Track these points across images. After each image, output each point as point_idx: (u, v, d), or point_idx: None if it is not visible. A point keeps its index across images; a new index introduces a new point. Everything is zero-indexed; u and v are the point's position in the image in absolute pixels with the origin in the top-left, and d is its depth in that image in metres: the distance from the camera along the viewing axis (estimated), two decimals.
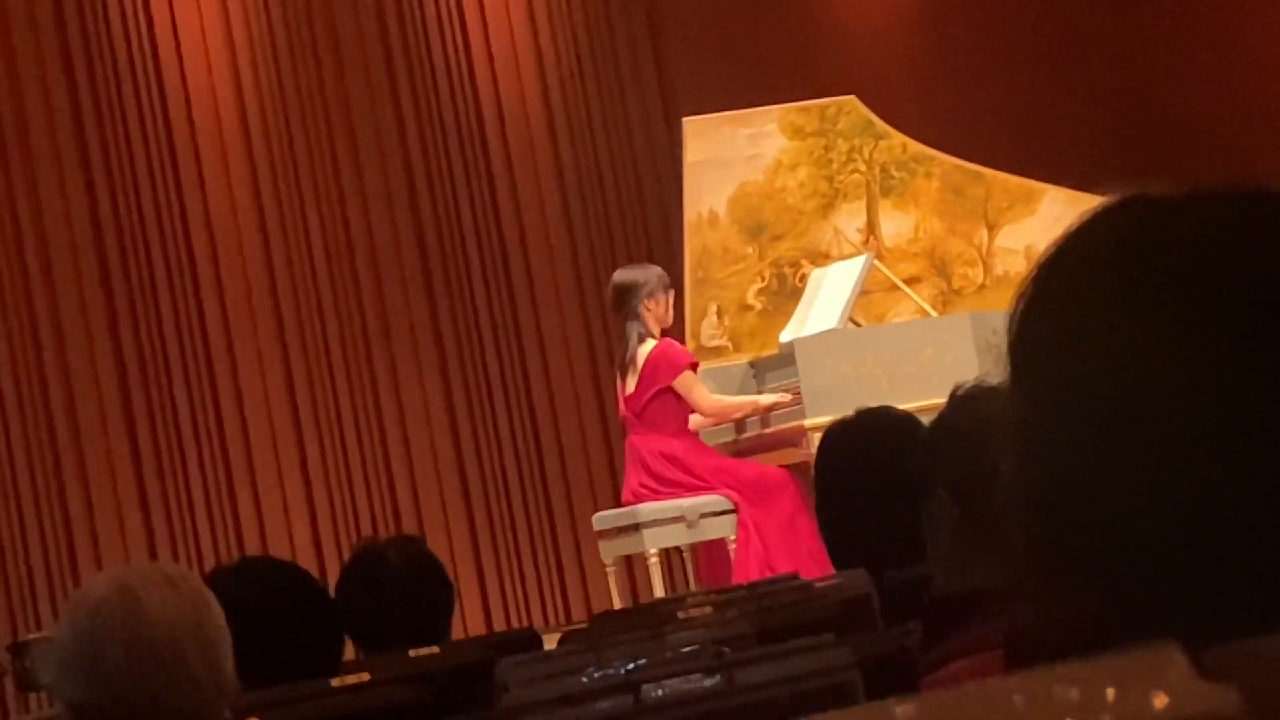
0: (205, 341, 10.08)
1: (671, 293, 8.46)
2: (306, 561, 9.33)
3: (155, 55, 10.11)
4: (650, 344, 8.28)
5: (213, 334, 10.09)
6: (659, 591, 8.26)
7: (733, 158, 9.03)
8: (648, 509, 8.20)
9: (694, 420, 8.39)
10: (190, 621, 2.58)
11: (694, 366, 8.33)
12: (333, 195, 10.36)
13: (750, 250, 9.11)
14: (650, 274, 8.38)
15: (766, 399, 8.39)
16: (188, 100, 10.15)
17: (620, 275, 8.48)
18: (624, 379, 8.39)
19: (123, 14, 10.07)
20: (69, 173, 9.97)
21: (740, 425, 8.58)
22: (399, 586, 4.09)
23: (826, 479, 3.67)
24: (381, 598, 4.06)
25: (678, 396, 8.27)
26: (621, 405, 8.46)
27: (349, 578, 4.17)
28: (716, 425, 8.58)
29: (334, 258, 10.32)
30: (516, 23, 10.70)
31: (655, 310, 8.32)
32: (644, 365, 8.26)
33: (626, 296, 8.31)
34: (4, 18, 9.92)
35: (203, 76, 10.19)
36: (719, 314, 9.10)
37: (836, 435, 3.71)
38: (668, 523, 8.20)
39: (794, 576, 5.10)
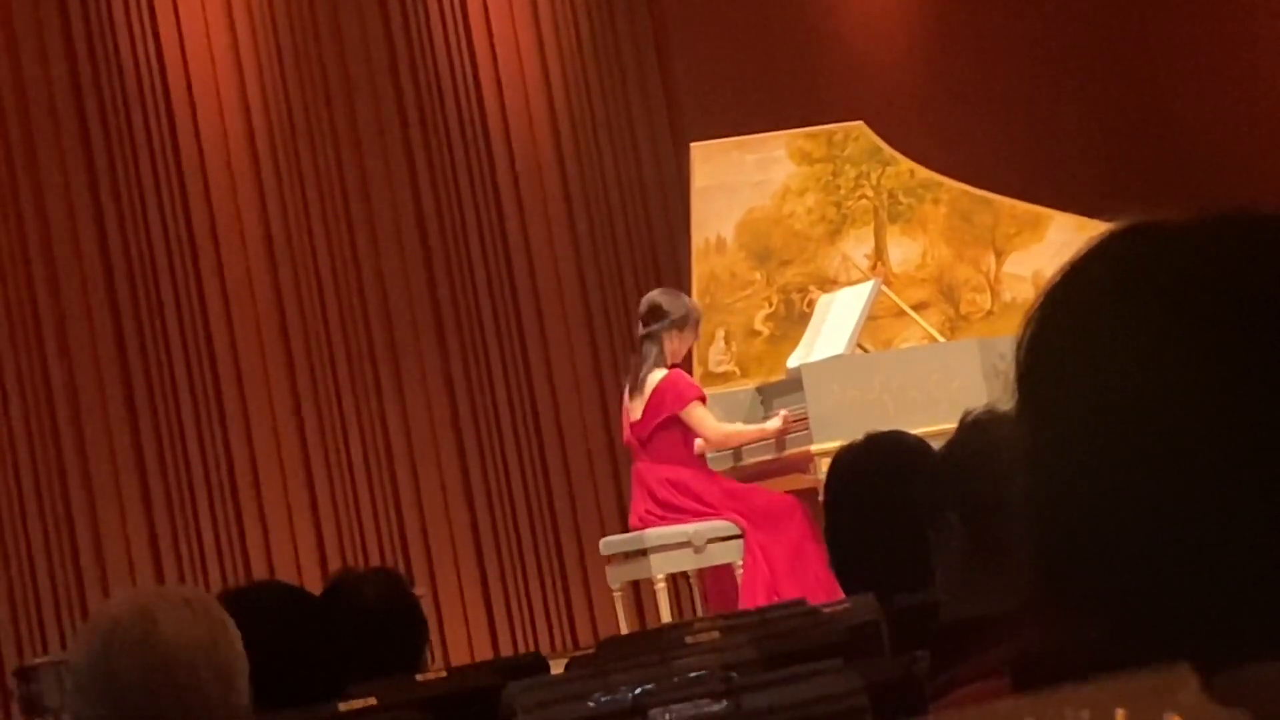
0: (212, 361, 10.07)
1: (699, 335, 8.49)
2: (312, 586, 9.31)
3: (161, 61, 10.10)
4: (660, 373, 8.28)
5: (220, 356, 10.08)
6: (666, 617, 8.25)
7: (740, 183, 9.04)
8: (655, 534, 8.20)
9: (699, 445, 8.39)
10: (206, 643, 2.58)
11: (702, 399, 8.32)
12: (340, 219, 10.36)
13: (758, 276, 9.11)
14: (689, 308, 8.39)
15: (772, 425, 8.38)
16: (193, 108, 10.14)
17: (660, 295, 8.48)
18: (630, 399, 8.39)
19: (129, 22, 10.08)
20: (76, 190, 9.97)
21: (740, 451, 8.57)
22: (371, 620, 4.06)
23: (836, 503, 3.66)
24: (352, 628, 4.02)
25: (684, 425, 8.27)
26: (626, 430, 8.46)
27: (323, 602, 4.14)
28: (721, 451, 8.58)
29: (341, 280, 10.32)
30: (524, 46, 10.72)
31: (675, 342, 8.33)
32: (651, 394, 8.27)
33: (656, 316, 8.31)
34: (9, 24, 9.94)
35: (208, 82, 10.19)
36: (726, 339, 9.11)
37: (846, 460, 3.70)
38: (675, 548, 8.19)
39: (801, 602, 5.09)
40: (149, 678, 2.56)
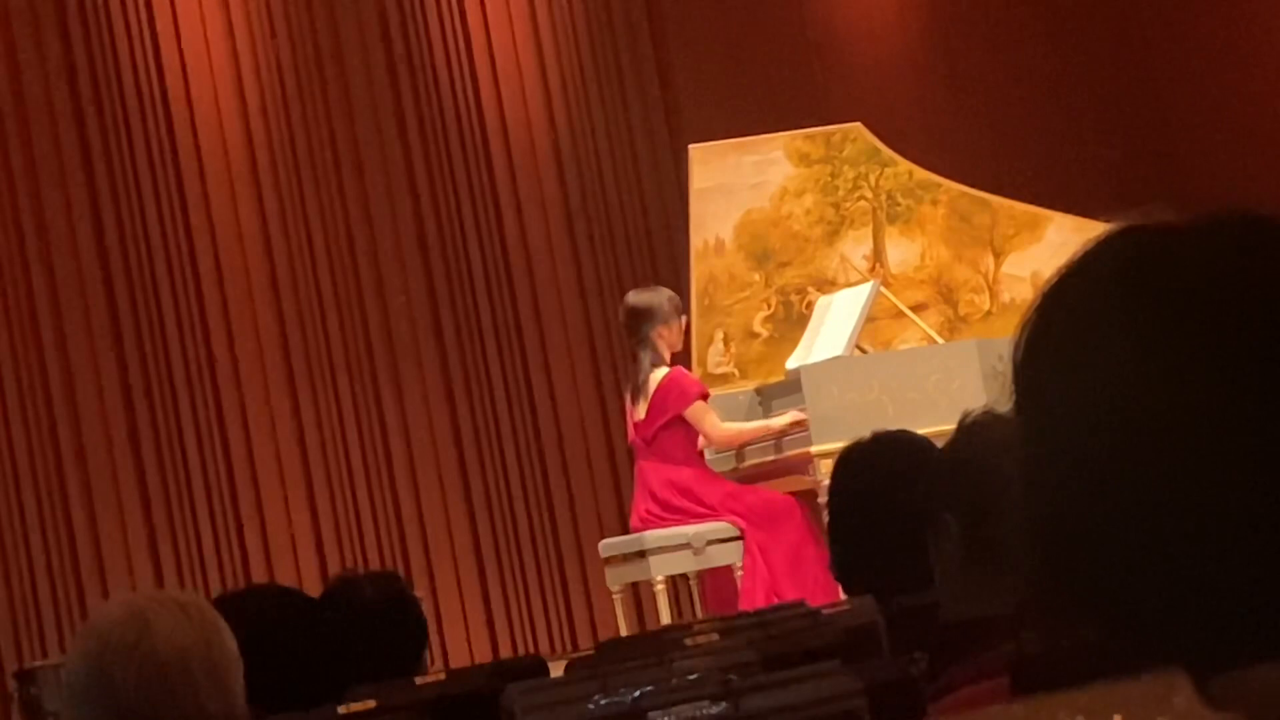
0: (212, 366, 10.08)
1: (684, 317, 8.46)
2: (311, 589, 9.31)
3: (160, 68, 10.09)
4: (662, 371, 8.27)
5: (220, 361, 10.09)
6: (665, 618, 8.25)
7: (739, 185, 9.04)
8: (654, 536, 8.20)
9: (701, 443, 8.39)
10: (201, 647, 2.59)
11: (705, 396, 8.32)
12: (339, 224, 10.35)
13: (756, 277, 9.11)
14: (664, 299, 8.37)
15: (779, 422, 8.35)
16: (192, 115, 10.13)
17: (633, 299, 8.46)
18: (634, 404, 8.38)
19: (128, 30, 10.07)
20: (75, 198, 9.98)
21: (742, 452, 8.56)
22: (371, 621, 4.05)
23: (840, 502, 3.64)
24: (352, 630, 4.01)
25: (688, 425, 8.27)
26: (630, 431, 8.46)
27: (323, 605, 4.14)
28: (724, 452, 8.57)
29: (340, 285, 10.32)
30: (522, 50, 10.72)
31: (668, 336, 8.32)
32: (655, 393, 8.25)
33: (639, 322, 8.30)
34: (9, 32, 9.94)
35: (207, 90, 10.19)
36: (725, 341, 9.10)
37: (852, 458, 3.68)
38: (674, 550, 8.19)
39: (800, 604, 5.09)
40: (143, 681, 2.56)
